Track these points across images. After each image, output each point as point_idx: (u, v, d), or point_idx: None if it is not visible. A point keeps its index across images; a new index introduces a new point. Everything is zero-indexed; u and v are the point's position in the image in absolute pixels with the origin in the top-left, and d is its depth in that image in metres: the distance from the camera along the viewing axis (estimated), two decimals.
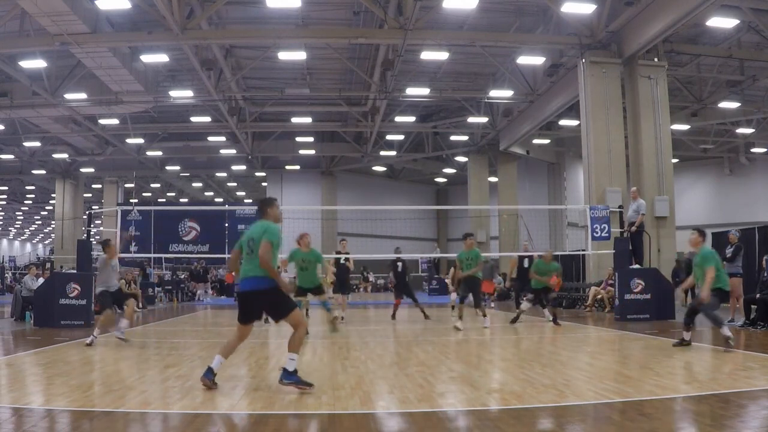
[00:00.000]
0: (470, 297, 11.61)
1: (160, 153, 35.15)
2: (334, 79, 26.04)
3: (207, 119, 29.06)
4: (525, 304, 12.76)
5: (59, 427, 4.41)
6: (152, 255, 27.43)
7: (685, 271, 21.66)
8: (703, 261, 8.22)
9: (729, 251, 11.41)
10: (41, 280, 14.42)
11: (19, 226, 74.73)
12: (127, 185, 42.33)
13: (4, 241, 78.11)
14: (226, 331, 11.48)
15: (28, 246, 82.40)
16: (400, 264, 14.51)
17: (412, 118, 29.93)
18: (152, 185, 47.96)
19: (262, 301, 5.74)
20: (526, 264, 14.46)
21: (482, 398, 5.32)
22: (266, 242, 5.57)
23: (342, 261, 13.20)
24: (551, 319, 12.26)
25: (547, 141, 32.67)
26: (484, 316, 11.63)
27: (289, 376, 5.47)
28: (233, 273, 6.24)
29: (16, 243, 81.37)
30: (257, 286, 5.62)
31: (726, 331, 8.06)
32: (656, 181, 18.26)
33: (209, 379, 5.61)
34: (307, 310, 12.46)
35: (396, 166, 42.31)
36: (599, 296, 16.04)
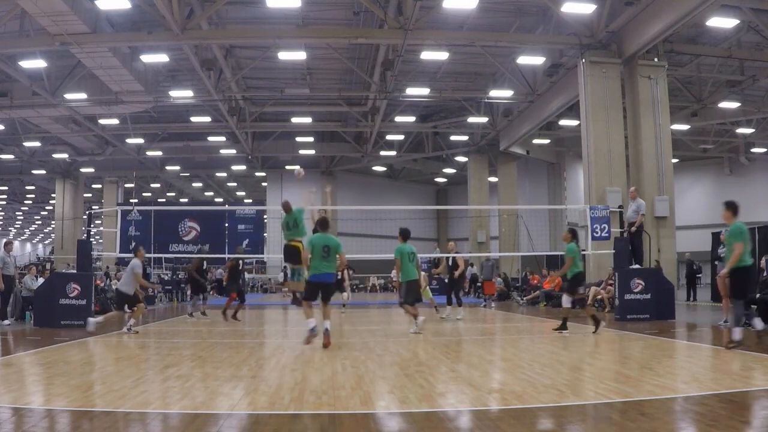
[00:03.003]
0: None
1: (160, 153, 35.17)
2: (334, 79, 26.04)
3: (207, 119, 29.08)
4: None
5: (59, 427, 4.41)
6: (152, 255, 27.39)
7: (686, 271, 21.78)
8: (731, 237, 8.21)
9: (722, 251, 11.38)
10: (41, 280, 14.42)
11: (19, 226, 74.74)
12: (127, 185, 42.34)
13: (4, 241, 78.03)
14: (225, 331, 11.49)
15: (28, 246, 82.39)
16: (241, 263, 15.95)
17: (412, 118, 29.94)
18: (152, 185, 47.98)
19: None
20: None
21: (482, 398, 5.32)
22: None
23: None
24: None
25: (547, 141, 32.67)
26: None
27: None
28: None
29: (16, 243, 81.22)
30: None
31: (737, 334, 7.94)
32: (656, 181, 18.27)
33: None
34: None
35: (396, 166, 42.32)
36: (599, 296, 16.04)
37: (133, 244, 24.28)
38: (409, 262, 10.28)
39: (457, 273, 13.86)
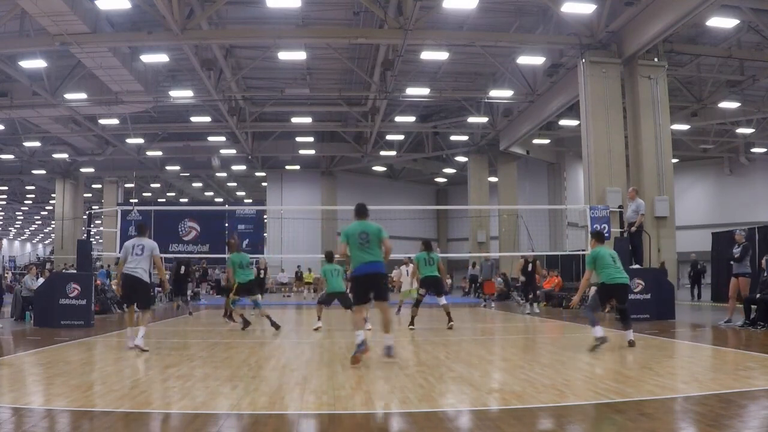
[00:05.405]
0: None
1: (160, 153, 35.17)
2: (334, 79, 26.04)
3: (207, 119, 29.08)
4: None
5: (59, 427, 4.41)
6: None
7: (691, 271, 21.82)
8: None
9: (737, 251, 11.35)
10: (41, 280, 14.42)
11: (19, 226, 74.72)
12: (127, 185, 42.34)
13: (4, 241, 78.08)
14: (225, 331, 11.49)
15: (28, 246, 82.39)
16: (183, 267, 17.37)
17: (412, 118, 29.93)
18: (152, 185, 47.97)
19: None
20: (529, 268, 16.54)
21: (482, 398, 5.32)
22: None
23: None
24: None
25: (547, 141, 32.68)
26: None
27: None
28: None
29: (16, 243, 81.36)
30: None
31: (598, 332, 8.02)
32: (656, 181, 18.27)
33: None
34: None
35: (396, 166, 42.30)
36: None
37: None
38: (335, 277, 11.55)
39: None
